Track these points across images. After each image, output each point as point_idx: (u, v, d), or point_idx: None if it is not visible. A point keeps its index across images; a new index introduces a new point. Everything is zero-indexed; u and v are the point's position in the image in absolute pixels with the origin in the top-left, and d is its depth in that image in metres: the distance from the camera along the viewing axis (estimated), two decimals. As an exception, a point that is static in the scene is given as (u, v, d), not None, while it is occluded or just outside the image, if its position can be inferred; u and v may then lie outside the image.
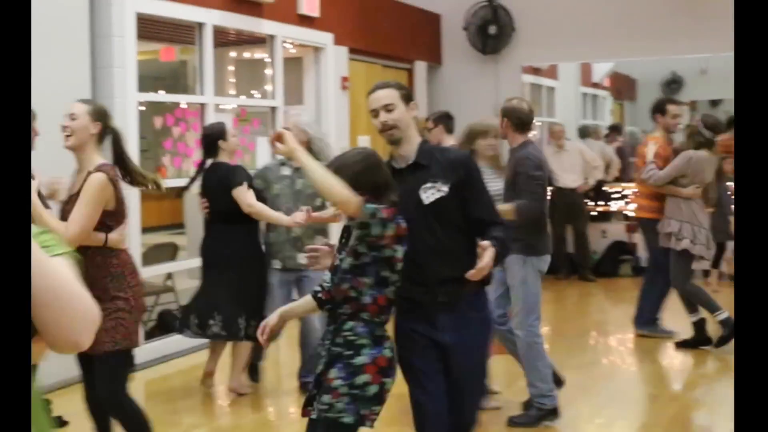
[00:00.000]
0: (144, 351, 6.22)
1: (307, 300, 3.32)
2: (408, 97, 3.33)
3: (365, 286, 3.11)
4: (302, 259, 4.88)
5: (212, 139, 5.43)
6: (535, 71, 12.16)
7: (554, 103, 13.23)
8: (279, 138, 3.15)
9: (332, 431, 3.11)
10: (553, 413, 4.89)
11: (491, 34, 10.57)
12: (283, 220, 5.06)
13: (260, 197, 5.28)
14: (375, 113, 3.31)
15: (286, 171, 5.35)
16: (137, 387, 5.93)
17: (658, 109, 6.96)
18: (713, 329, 6.52)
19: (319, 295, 3.25)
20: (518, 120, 4.78)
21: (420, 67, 10.48)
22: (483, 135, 4.99)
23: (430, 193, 3.27)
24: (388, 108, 3.27)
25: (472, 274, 3.08)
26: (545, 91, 12.88)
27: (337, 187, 3.03)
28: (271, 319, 3.27)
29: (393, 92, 3.29)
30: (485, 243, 3.10)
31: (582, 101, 14.45)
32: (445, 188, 3.27)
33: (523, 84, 11.09)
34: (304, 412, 3.22)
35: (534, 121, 4.89)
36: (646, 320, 6.98)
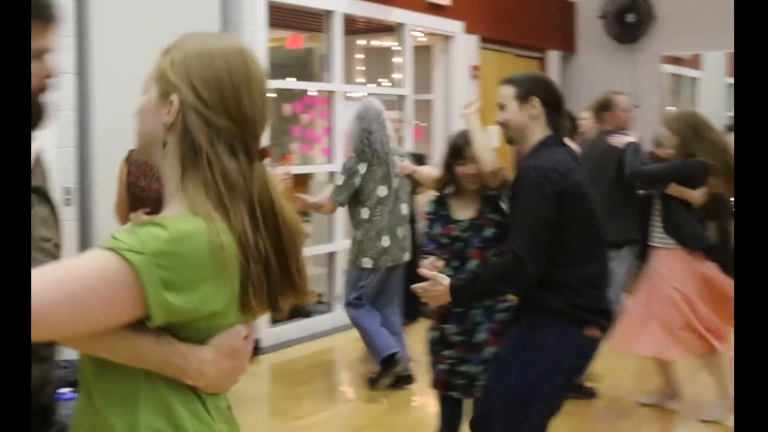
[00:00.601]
0: (269, 335, 6.31)
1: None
2: (526, 95, 3.10)
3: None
4: None
5: None
6: (677, 61, 11.62)
7: (698, 94, 12.63)
8: (470, 105, 3.65)
9: None
10: None
11: (629, 22, 10.19)
12: None
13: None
14: None
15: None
16: (262, 371, 6.01)
17: None
18: None
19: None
20: None
21: (553, 57, 10.21)
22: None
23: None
24: (501, 106, 3.17)
25: (414, 287, 3.13)
26: (688, 81, 12.31)
27: (495, 158, 3.45)
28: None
29: (508, 90, 3.14)
30: (433, 274, 3.09)
31: (729, 92, 13.75)
32: (504, 204, 3.46)
33: (663, 74, 10.63)
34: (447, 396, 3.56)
35: None
36: None
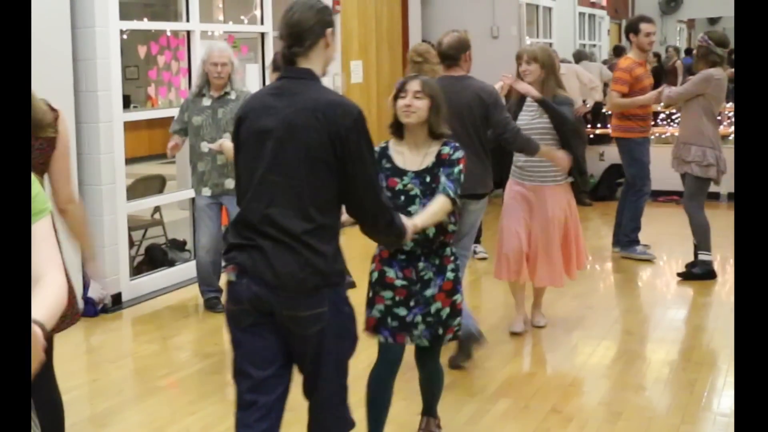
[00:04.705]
0: (130, 288, 6.13)
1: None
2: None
3: None
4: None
5: None
6: (532, -9, 11.82)
7: (551, 23, 12.93)
8: None
9: None
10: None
11: (486, -48, 10.22)
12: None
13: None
14: None
15: (206, 102, 5.55)
16: (126, 324, 5.85)
17: (632, 29, 6.93)
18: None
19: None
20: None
21: (413, -11, 10.15)
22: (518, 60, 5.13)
23: None
24: None
25: None
26: (542, 11, 12.56)
27: None
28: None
29: None
30: None
31: (579, 21, 14.14)
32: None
33: (519, 5, 10.79)
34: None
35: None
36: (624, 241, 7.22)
